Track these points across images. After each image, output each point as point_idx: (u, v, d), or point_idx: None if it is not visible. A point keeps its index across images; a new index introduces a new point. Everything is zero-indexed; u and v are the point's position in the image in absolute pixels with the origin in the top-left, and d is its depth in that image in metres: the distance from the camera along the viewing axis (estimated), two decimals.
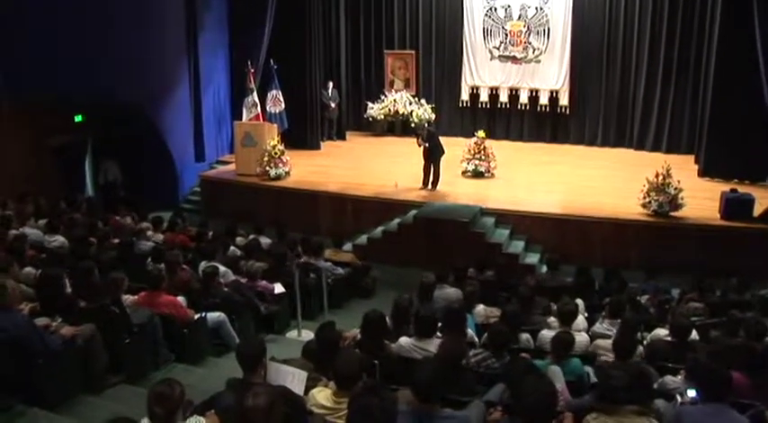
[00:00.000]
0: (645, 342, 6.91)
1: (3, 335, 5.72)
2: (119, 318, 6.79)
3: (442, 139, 14.44)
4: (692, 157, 16.13)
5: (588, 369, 6.07)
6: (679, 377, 5.60)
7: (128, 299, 7.47)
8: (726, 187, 13.10)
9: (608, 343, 6.58)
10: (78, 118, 15.71)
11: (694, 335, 6.80)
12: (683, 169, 13.85)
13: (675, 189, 12.24)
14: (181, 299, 7.84)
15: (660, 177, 12.29)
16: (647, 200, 12.37)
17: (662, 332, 7.07)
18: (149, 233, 11.43)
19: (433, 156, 14.09)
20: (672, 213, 12.27)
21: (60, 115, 14.93)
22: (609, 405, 4.40)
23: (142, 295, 7.62)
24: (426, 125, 16.72)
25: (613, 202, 13.15)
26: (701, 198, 12.98)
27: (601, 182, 14.76)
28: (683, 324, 6.63)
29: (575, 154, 17.61)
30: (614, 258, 11.81)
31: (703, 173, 14.95)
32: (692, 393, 5.03)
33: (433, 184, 14.22)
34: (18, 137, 14.04)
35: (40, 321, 6.30)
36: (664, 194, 12.23)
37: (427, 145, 14.02)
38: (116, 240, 10.35)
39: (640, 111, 17.57)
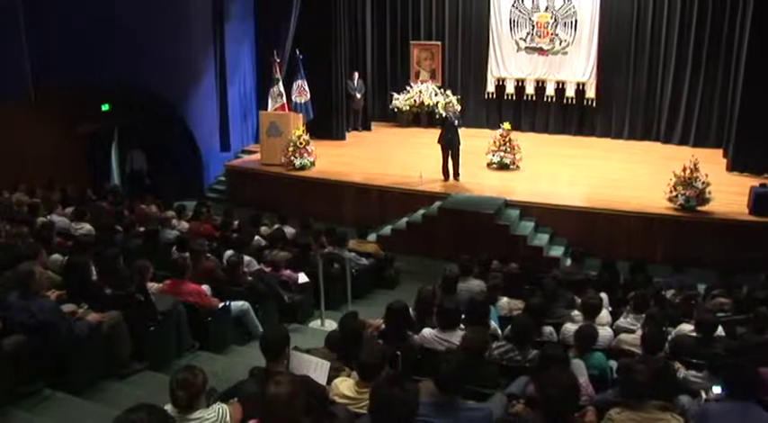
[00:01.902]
0: (669, 337, 6.85)
1: (31, 320, 5.80)
2: (143, 305, 6.84)
3: (467, 131, 14.37)
4: (720, 151, 15.91)
5: (612, 363, 6.04)
6: (702, 373, 5.56)
7: (153, 287, 7.53)
8: (755, 182, 12.93)
9: (632, 337, 6.55)
10: (105, 107, 15.85)
11: (720, 331, 6.74)
12: (711, 163, 13.70)
13: (703, 183, 12.09)
14: (205, 287, 7.89)
15: (687, 171, 12.15)
16: (674, 194, 12.24)
17: (687, 327, 7.01)
18: (174, 222, 11.52)
19: (453, 144, 14.02)
20: (699, 208, 12.13)
21: (87, 104, 15.07)
22: (632, 400, 4.38)
23: (167, 283, 7.68)
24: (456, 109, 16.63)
25: (639, 196, 13.03)
26: (729, 193, 12.82)
27: (627, 175, 14.62)
28: (709, 320, 6.57)
29: (601, 147, 17.46)
30: (640, 252, 11.69)
31: (732, 167, 14.74)
32: (717, 390, 4.99)
33: (455, 174, 14.18)
34: (46, 125, 14.19)
35: (67, 308, 6.37)
36: (691, 189, 12.09)
37: (457, 123, 13.95)
38: (141, 229, 10.43)
39: (668, 103, 17.34)
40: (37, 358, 5.87)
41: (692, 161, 12.22)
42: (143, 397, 5.26)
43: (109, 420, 2.81)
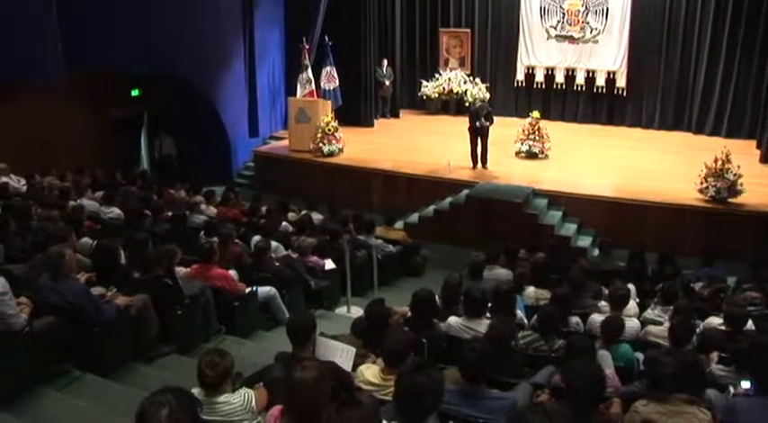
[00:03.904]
0: (698, 330, 6.78)
1: (61, 302, 5.88)
2: (171, 289, 6.90)
3: (495, 119, 14.29)
4: (753, 142, 15.70)
5: (638, 355, 6.00)
6: (731, 367, 5.49)
7: (180, 271, 7.59)
8: None
9: (659, 329, 6.50)
10: (135, 92, 15.96)
11: (750, 325, 6.65)
12: (743, 154, 13.51)
13: (735, 175, 11.93)
14: (232, 272, 7.93)
15: (719, 162, 12.00)
16: (705, 185, 12.09)
17: (716, 321, 6.92)
18: (203, 207, 11.59)
19: (483, 131, 13.95)
20: (730, 200, 11.98)
21: (117, 89, 15.19)
22: (659, 392, 4.34)
23: (195, 268, 7.73)
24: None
25: (669, 187, 12.89)
26: (762, 184, 12.66)
27: (657, 166, 14.46)
28: (739, 313, 6.48)
29: (631, 137, 17.29)
30: (669, 244, 11.57)
31: (765, 159, 14.55)
32: (745, 385, 4.93)
33: (483, 161, 14.11)
34: (76, 110, 14.32)
35: (96, 290, 6.44)
36: (722, 180, 11.93)
37: (488, 124, 13.88)
38: (170, 213, 10.50)
39: (700, 93, 17.10)
40: (67, 339, 5.96)
41: (724, 152, 12.06)
42: (170, 379, 5.33)
43: (136, 402, 2.84)
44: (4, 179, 11.59)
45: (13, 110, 13.18)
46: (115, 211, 10.37)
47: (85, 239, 8.27)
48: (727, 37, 16.48)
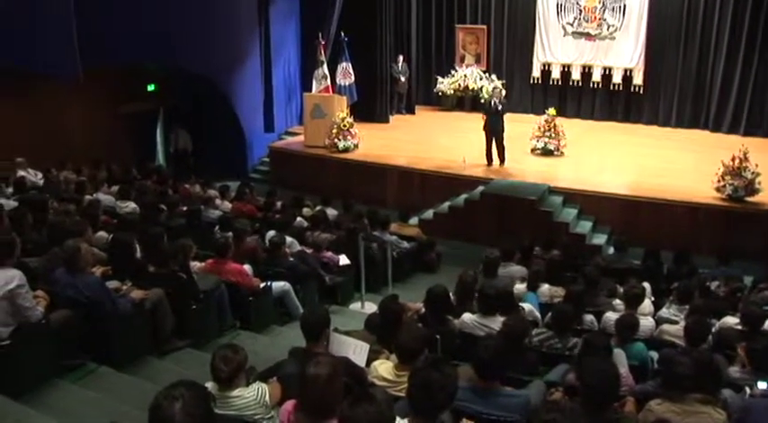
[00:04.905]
0: (713, 329, 6.74)
1: (77, 295, 5.92)
2: (186, 284, 6.92)
3: (511, 116, 14.24)
4: None
5: (653, 354, 5.97)
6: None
7: (195, 266, 7.61)
8: None
9: (675, 328, 6.46)
10: (151, 87, 16.02)
11: (767, 325, 6.60)
12: (761, 152, 13.33)
13: (752, 173, 11.83)
14: (247, 267, 7.95)
15: (736, 161, 11.90)
16: (722, 184, 11.99)
17: (732, 320, 6.88)
18: (218, 202, 11.62)
19: (498, 130, 13.88)
20: (747, 198, 11.89)
21: (134, 84, 15.24)
22: (674, 392, 4.32)
23: (209, 262, 7.76)
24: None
25: (686, 185, 12.81)
26: None
27: (673, 163, 14.36)
28: (755, 313, 6.44)
29: (647, 134, 17.18)
30: (685, 242, 11.47)
31: None
32: (762, 386, 4.89)
33: (500, 159, 14.05)
34: (93, 105, 14.39)
35: (111, 284, 6.48)
36: (740, 178, 11.84)
37: (500, 109, 13.76)
38: (185, 208, 10.53)
39: (718, 90, 16.95)
40: (82, 333, 6.00)
41: (742, 150, 11.96)
42: (184, 373, 5.35)
43: (150, 395, 2.85)
44: (22, 173, 11.69)
45: (30, 105, 13.26)
46: (131, 206, 10.42)
47: (101, 233, 8.31)
48: (746, 34, 16.32)
